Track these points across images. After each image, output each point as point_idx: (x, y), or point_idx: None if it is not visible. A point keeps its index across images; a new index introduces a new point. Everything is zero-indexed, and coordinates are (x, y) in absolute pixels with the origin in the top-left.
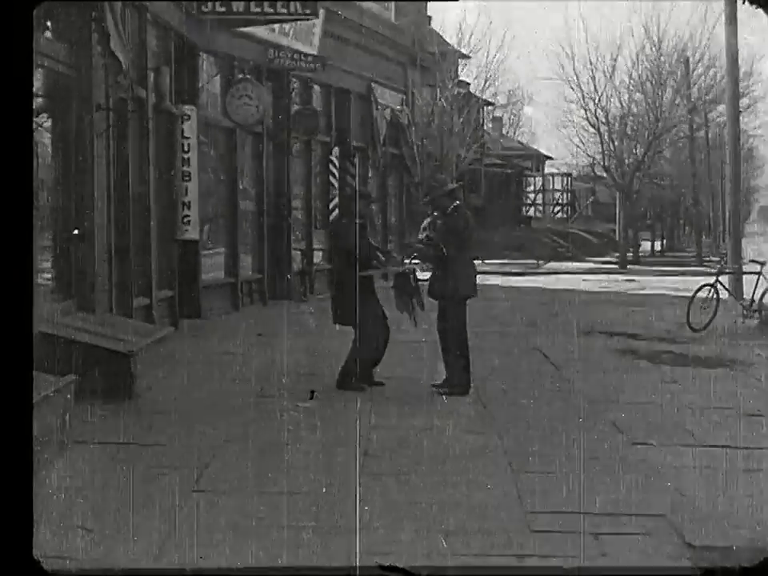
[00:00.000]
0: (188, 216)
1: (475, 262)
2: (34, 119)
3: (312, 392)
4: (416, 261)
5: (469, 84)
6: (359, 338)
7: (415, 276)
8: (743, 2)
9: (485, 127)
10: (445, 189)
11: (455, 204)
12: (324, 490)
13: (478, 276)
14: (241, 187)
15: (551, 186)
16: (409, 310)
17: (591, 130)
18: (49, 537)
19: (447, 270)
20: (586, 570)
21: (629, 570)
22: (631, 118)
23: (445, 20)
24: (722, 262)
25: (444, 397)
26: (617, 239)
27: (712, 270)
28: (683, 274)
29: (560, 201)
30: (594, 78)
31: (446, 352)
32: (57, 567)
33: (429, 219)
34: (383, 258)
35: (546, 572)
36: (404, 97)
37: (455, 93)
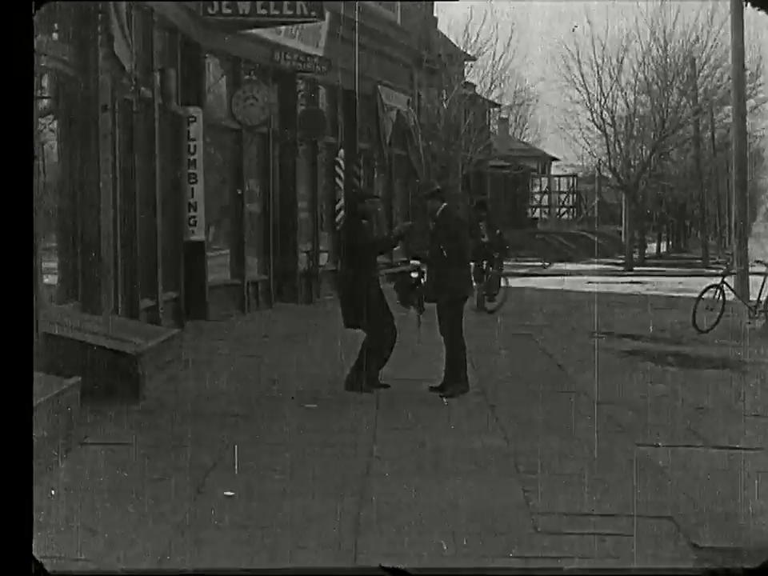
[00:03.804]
0: (194, 217)
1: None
2: (41, 120)
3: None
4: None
5: (475, 85)
6: (370, 340)
7: (420, 275)
8: (745, 5)
9: (491, 129)
10: (429, 191)
11: (443, 206)
12: (326, 491)
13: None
14: (247, 188)
15: (557, 188)
16: (416, 307)
17: (597, 131)
18: (51, 538)
19: (440, 272)
20: (592, 572)
21: (634, 571)
22: (637, 119)
23: (451, 22)
24: (728, 263)
25: (444, 399)
26: (622, 240)
27: (718, 272)
28: (689, 275)
29: (566, 202)
30: (600, 79)
31: (445, 353)
32: (58, 568)
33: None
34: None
35: (552, 573)
36: (410, 98)
37: (461, 94)
